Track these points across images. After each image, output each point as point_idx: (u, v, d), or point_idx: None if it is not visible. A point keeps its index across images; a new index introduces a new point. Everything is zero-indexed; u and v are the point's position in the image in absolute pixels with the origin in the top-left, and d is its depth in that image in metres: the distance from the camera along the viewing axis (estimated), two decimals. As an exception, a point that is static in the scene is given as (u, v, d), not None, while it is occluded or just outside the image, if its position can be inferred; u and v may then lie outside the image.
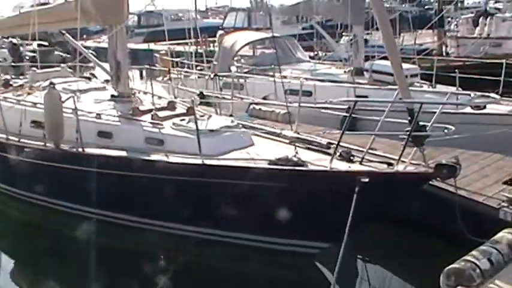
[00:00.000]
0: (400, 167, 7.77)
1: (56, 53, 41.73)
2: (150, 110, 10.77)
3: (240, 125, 10.31)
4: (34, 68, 15.05)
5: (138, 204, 9.77)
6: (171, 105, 11.23)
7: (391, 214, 8.72)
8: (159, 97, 12.71)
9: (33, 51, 37.88)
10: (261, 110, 14.43)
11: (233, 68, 17.45)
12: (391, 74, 14.53)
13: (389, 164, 8.10)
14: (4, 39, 30.27)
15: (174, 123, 10.02)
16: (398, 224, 9.30)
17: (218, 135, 9.60)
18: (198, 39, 25.53)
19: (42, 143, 10.59)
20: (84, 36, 44.12)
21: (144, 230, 9.91)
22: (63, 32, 14.40)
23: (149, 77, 14.58)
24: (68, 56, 42.23)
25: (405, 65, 15.23)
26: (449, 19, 30.74)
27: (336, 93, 14.24)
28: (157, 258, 9.55)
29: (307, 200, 7.92)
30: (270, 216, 8.31)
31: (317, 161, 8.51)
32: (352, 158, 8.67)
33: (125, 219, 10.09)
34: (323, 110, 11.85)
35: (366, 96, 14.39)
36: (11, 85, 13.84)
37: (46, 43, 45.06)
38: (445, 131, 7.50)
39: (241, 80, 16.63)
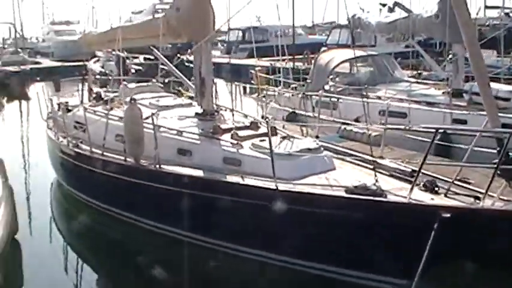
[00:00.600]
0: (487, 202, 7.09)
1: (161, 66, 42.86)
2: (231, 129, 10.47)
3: (322, 148, 9.83)
4: (125, 82, 15.17)
5: (209, 225, 9.45)
6: (254, 125, 10.88)
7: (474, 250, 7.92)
8: (245, 115, 12.44)
9: (139, 64, 38.92)
10: (352, 132, 13.84)
11: (327, 87, 16.94)
12: (494, 97, 13.87)
13: (477, 198, 7.43)
14: (112, 53, 31.20)
15: (253, 144, 9.66)
16: (481, 261, 8.40)
17: (296, 159, 9.16)
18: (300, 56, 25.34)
19: (123, 158, 10.50)
20: (188, 50, 45.15)
21: (212, 249, 9.60)
22: (152, 47, 14.40)
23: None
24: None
25: (502, 87, 14.35)
26: None
27: (431, 116, 13.54)
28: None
29: (382, 233, 7.35)
30: (342, 247, 7.85)
31: (398, 191, 7.94)
32: (436, 188, 8.06)
33: (197, 239, 9.78)
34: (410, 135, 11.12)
35: (464, 121, 13.57)
36: (102, 98, 13.91)
37: (152, 57, 46.32)
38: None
39: (335, 99, 16.10)
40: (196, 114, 11.62)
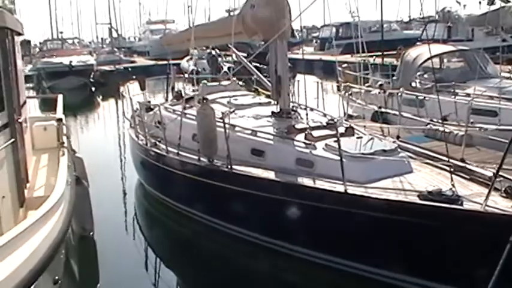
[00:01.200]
0: None
1: (254, 64, 42.90)
2: (307, 129, 10.15)
3: (399, 149, 9.37)
4: (205, 81, 15.11)
5: (279, 227, 9.19)
6: (330, 124, 10.51)
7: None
8: (324, 114, 12.09)
9: (232, 62, 39.21)
10: (438, 131, 13.22)
11: (414, 84, 16.31)
12: None
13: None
14: (206, 51, 31.58)
15: (326, 145, 9.30)
16: None
17: (369, 160, 8.74)
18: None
19: (197, 157, 10.37)
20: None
21: (281, 252, 9.34)
22: (229, 45, 14.25)
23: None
24: (265, 67, 43.30)
25: None
26: None
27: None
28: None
29: (454, 243, 6.87)
30: (410, 255, 7.45)
31: (476, 197, 7.38)
32: (519, 195, 7.48)
33: (267, 242, 9.54)
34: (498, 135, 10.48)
35: None
36: (182, 97, 13.87)
37: (245, 54, 46.46)
38: None
39: (421, 97, 15.45)
40: (273, 113, 11.35)
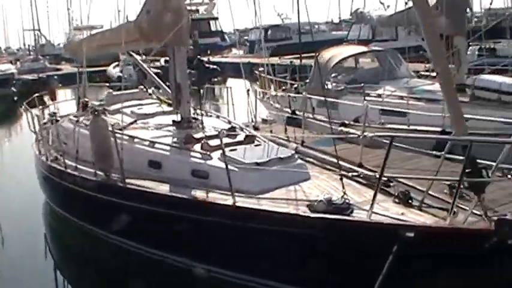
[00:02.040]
0: (460, 218, 6.31)
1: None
2: (206, 138, 9.79)
3: (296, 156, 9.10)
4: (110, 90, 14.63)
5: (171, 242, 8.84)
6: (232, 132, 10.19)
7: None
8: (229, 121, 11.78)
9: (159, 67, 38.60)
10: (349, 133, 13.04)
11: (331, 86, 16.12)
12: (497, 91, 12.97)
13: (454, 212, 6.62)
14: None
15: (222, 154, 8.96)
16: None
17: (263, 170, 8.42)
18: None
19: (93, 172, 9.91)
20: (209, 51, 44.65)
21: (178, 267, 8.95)
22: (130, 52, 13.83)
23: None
24: (193, 71, 42.77)
25: (506, 80, 13.44)
26: None
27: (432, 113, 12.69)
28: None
29: (339, 254, 6.61)
30: (295, 267, 7.19)
31: (368, 204, 7.12)
32: (410, 201, 7.28)
33: (161, 256, 9.15)
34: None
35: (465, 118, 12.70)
36: (87, 107, 13.36)
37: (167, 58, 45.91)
38: (510, 176, 6.00)
39: (337, 99, 15.28)
40: (174, 122, 10.96)
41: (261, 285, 7.83)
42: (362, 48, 17.48)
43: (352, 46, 18.39)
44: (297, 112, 15.47)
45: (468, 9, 39.05)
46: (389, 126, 13.32)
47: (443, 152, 7.57)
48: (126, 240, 9.77)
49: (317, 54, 16.95)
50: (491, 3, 28.42)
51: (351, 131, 11.66)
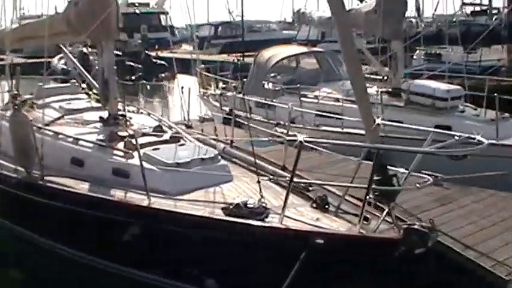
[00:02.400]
0: (372, 225, 6.22)
1: (127, 63, 41.80)
2: (132, 136, 9.53)
3: (220, 157, 8.92)
4: (40, 83, 14.20)
5: (82, 240, 8.60)
6: (158, 131, 9.96)
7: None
8: (160, 119, 11.54)
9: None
10: (274, 136, 12.91)
11: (269, 86, 15.98)
12: (431, 97, 13.01)
13: (366, 219, 6.53)
14: (76, 48, 30.12)
15: (144, 153, 8.71)
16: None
17: (183, 170, 8.21)
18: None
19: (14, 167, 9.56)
20: (156, 46, 44.17)
21: (88, 265, 8.73)
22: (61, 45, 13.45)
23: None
24: (140, 66, 42.20)
25: (447, 86, 13.50)
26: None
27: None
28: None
29: (249, 259, 6.45)
30: (209, 269, 7.08)
31: (291, 208, 7.00)
32: (327, 206, 7.17)
33: (78, 256, 8.87)
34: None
35: (400, 122, 12.71)
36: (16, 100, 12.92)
37: (120, 53, 45.17)
38: (418, 185, 5.94)
39: (274, 99, 15.18)
40: (100, 118, 10.65)
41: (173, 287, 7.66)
42: (302, 49, 17.41)
43: (294, 46, 18.29)
44: (234, 111, 15.30)
45: (416, 15, 39.64)
46: (324, 128, 13.29)
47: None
48: (47, 239, 9.45)
49: (257, 53, 16.81)
50: (435, 9, 28.80)
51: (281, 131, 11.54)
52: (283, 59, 16.29)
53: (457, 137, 6.09)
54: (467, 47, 24.21)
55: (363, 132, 11.82)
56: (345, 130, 12.52)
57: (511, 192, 9.85)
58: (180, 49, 56.01)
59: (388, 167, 6.07)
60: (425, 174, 10.07)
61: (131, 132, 9.57)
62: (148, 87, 19.66)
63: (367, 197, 5.92)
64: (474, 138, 5.86)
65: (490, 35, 23.82)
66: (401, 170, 6.36)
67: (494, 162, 10.09)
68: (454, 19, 34.57)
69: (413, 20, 38.61)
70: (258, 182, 7.44)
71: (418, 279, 7.04)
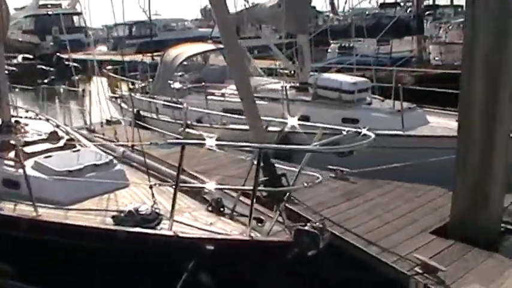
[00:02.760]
0: (266, 227, 5.99)
1: (39, 66, 40.67)
2: (25, 144, 9.05)
3: (115, 162, 8.54)
4: None
5: None
6: (53, 137, 9.50)
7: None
8: (57, 125, 11.05)
9: (15, 65, 36.49)
10: (190, 135, 12.60)
11: (175, 85, 15.59)
12: (338, 90, 12.93)
13: (260, 221, 6.31)
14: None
15: (35, 162, 8.27)
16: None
17: (75, 178, 7.79)
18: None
19: None
20: (68, 48, 43.00)
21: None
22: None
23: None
24: (51, 70, 41.08)
25: (354, 79, 13.46)
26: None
27: (272, 113, 12.45)
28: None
29: (141, 270, 6.12)
30: (99, 282, 6.58)
31: (180, 214, 6.70)
32: (223, 209, 6.91)
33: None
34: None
35: (308, 117, 12.60)
36: None
37: (31, 56, 43.97)
38: (305, 184, 5.76)
39: (181, 99, 14.81)
40: None
41: None
42: (209, 46, 17.08)
43: (201, 44, 17.94)
44: (142, 113, 14.90)
45: (330, 8, 39.90)
46: (231, 126, 13.04)
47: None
48: None
49: (163, 52, 16.44)
50: (345, 2, 29.05)
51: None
52: (189, 57, 15.94)
53: (344, 132, 5.91)
54: (381, 39, 24.63)
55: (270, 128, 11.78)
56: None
57: (418, 183, 9.80)
58: (96, 50, 54.95)
59: (277, 166, 5.86)
60: (330, 169, 10.07)
61: (22, 140, 9.13)
62: (61, 90, 19.09)
63: (255, 199, 5.66)
64: (360, 133, 5.69)
65: (399, 26, 24.25)
66: (294, 168, 6.18)
67: (403, 154, 10.13)
68: (367, 12, 35.12)
69: (329, 15, 39.10)
70: (150, 187, 7.13)
71: (319, 278, 6.87)
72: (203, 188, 7.52)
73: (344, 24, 26.87)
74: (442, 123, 11.97)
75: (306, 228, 5.24)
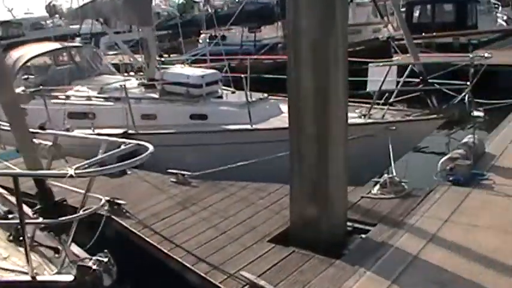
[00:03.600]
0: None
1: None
2: None
3: None
4: None
5: None
6: None
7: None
8: None
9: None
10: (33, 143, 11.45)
11: (17, 90, 14.30)
12: (186, 84, 12.13)
13: (57, 251, 5.42)
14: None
15: None
16: None
17: None
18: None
19: None
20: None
21: None
22: None
23: None
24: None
25: (201, 72, 12.69)
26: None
27: (117, 115, 11.55)
28: None
29: None
30: None
31: None
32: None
33: None
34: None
35: (155, 115, 11.76)
36: None
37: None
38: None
39: (24, 105, 13.56)
40: None
41: None
42: (55, 45, 15.84)
43: (48, 43, 16.64)
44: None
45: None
46: (76, 131, 12.00)
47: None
48: None
49: (4, 55, 15.08)
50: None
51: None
52: (30, 59, 14.66)
53: (124, 146, 5.08)
54: (251, 27, 24.04)
55: (114, 131, 10.85)
56: (97, 131, 11.32)
57: (267, 182, 9.14)
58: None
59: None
60: (172, 172, 9.29)
61: None
62: None
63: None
64: (144, 146, 4.86)
65: (264, 12, 23.71)
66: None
67: (253, 150, 9.51)
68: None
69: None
70: None
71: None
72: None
73: (209, 13, 26.06)
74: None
75: (89, 264, 4.41)
